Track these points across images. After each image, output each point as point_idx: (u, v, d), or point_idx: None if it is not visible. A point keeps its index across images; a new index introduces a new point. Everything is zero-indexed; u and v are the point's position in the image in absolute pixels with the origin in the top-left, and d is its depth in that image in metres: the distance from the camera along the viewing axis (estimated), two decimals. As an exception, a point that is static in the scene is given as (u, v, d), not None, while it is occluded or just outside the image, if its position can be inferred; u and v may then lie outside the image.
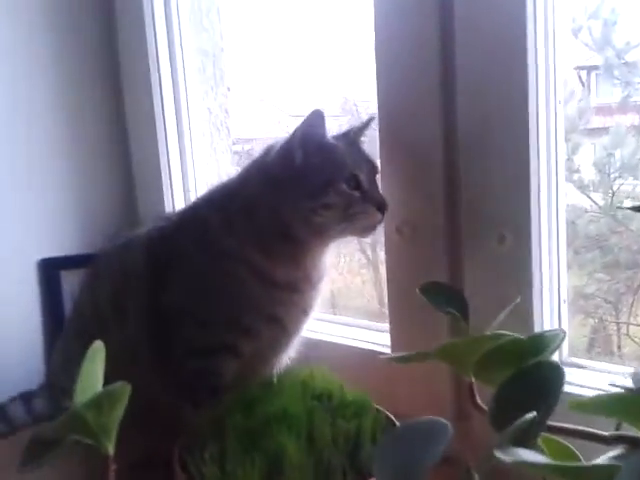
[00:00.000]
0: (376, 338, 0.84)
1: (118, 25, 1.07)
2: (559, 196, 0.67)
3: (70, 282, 1.01)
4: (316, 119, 0.68)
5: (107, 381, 0.43)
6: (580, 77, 0.91)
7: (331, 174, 0.68)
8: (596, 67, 0.88)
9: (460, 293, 0.65)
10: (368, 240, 1.08)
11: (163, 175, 1.08)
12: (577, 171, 0.87)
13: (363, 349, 0.83)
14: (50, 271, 1.03)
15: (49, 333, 1.04)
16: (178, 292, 0.73)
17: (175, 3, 1.04)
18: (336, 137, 0.73)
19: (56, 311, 1.03)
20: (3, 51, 0.99)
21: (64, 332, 0.90)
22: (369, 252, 1.12)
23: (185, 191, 1.09)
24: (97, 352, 0.43)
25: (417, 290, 0.61)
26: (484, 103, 0.66)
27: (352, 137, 0.74)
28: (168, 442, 0.69)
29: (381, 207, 0.69)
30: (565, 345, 0.68)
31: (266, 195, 0.70)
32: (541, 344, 0.47)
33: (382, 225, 0.72)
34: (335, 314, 0.97)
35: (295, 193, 0.68)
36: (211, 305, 0.71)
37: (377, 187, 0.72)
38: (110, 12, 1.08)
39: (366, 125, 0.76)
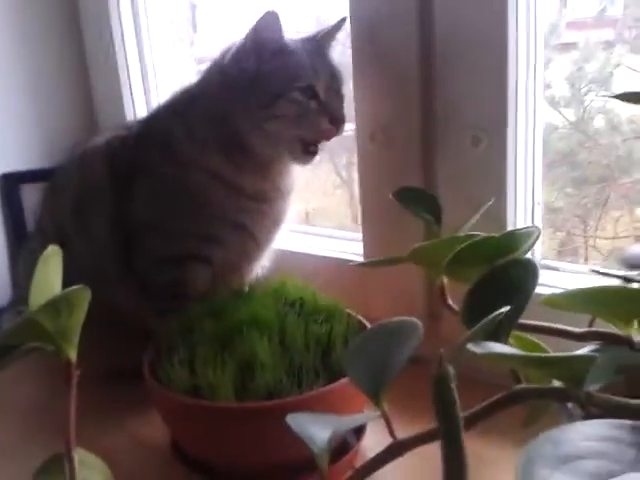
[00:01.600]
0: (350, 248, 0.83)
1: None
2: (537, 98, 0.65)
3: (31, 196, 0.98)
4: (270, 21, 0.63)
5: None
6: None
7: (284, 82, 0.64)
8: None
9: (433, 197, 0.64)
10: (343, 161, 1.06)
11: (123, 87, 1.02)
12: (549, 87, 0.84)
13: (336, 258, 0.82)
14: (11, 185, 0.99)
15: (12, 248, 1.01)
16: (142, 204, 0.71)
17: None
18: (297, 41, 0.68)
19: (18, 225, 1.00)
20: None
21: (26, 247, 0.87)
22: (344, 173, 1.10)
23: (147, 103, 1.04)
24: (52, 256, 0.41)
25: (390, 195, 0.60)
26: (462, 5, 0.62)
27: (318, 42, 0.69)
28: (136, 353, 0.69)
29: (334, 121, 0.65)
30: (538, 247, 0.68)
31: (222, 100, 0.67)
32: (515, 241, 0.46)
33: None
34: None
35: (247, 100, 0.65)
36: (176, 215, 0.69)
37: (338, 99, 0.68)
38: None
39: (336, 28, 0.70)
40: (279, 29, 0.64)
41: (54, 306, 0.37)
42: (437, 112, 0.66)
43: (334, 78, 0.68)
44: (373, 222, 0.74)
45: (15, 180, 0.99)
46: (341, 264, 0.80)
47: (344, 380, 0.53)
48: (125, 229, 0.71)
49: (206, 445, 0.54)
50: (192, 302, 0.69)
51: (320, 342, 0.57)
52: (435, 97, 0.66)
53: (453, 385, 0.29)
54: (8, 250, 1.02)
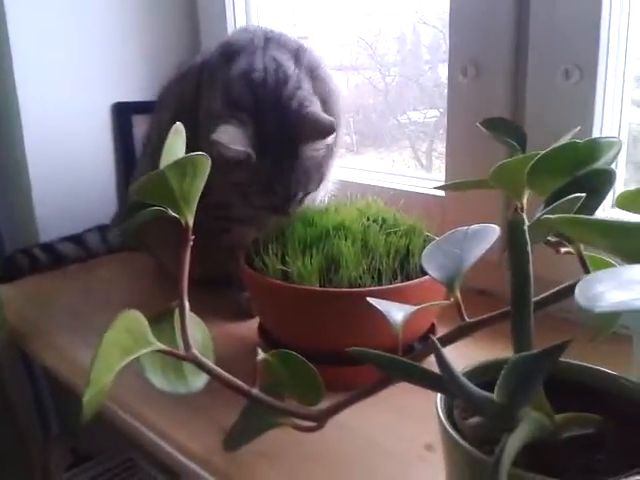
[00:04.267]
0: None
1: None
2: (629, 35, 0.66)
3: (140, 126, 1.07)
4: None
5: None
6: None
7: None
8: None
9: (519, 127, 0.66)
10: (423, 147, 1.08)
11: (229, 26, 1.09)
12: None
13: (415, 192, 0.86)
14: (123, 114, 1.08)
15: (121, 173, 1.11)
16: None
17: None
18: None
19: (127, 152, 1.10)
20: None
21: (137, 170, 0.96)
22: (423, 160, 1.11)
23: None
24: (180, 130, 0.47)
25: (477, 124, 0.63)
26: None
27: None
28: (226, 264, 0.77)
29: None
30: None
31: None
32: (597, 150, 0.47)
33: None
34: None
35: None
36: None
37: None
38: None
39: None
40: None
41: (181, 165, 0.43)
42: (528, 46, 0.68)
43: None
44: (456, 155, 0.78)
45: (127, 110, 1.09)
46: (422, 195, 0.84)
47: (419, 279, 0.57)
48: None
49: (290, 328, 0.60)
50: (237, 223, 0.76)
51: (399, 251, 0.62)
52: (527, 32, 0.68)
53: (525, 228, 0.33)
54: (117, 175, 1.12)
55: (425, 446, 0.51)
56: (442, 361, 0.31)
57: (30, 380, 0.99)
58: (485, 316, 0.43)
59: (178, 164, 0.43)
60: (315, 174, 0.71)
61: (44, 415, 1.01)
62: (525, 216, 0.34)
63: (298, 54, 0.74)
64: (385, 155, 1.12)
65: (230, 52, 0.74)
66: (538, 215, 0.39)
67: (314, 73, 0.73)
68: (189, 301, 0.46)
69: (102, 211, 1.07)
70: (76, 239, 1.03)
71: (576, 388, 0.40)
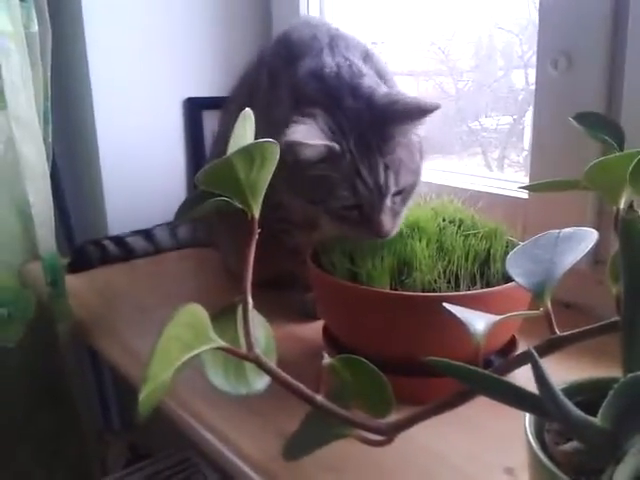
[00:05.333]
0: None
1: None
2: None
3: (211, 121, 1.06)
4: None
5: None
6: None
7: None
8: None
9: (616, 123, 0.60)
10: (495, 155, 1.03)
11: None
12: None
13: (495, 193, 0.81)
14: (194, 109, 1.08)
15: (191, 168, 1.11)
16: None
17: None
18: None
19: (197, 148, 1.10)
20: None
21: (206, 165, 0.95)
22: (494, 167, 1.06)
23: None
24: (248, 116, 0.45)
25: (570, 118, 0.58)
26: None
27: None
28: (288, 265, 0.75)
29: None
30: None
31: None
32: None
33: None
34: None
35: None
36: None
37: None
38: None
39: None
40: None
41: (249, 152, 0.41)
42: (626, 35, 0.62)
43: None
44: (543, 154, 0.72)
45: (198, 105, 1.09)
46: (502, 196, 0.79)
47: (502, 286, 0.52)
48: None
49: (357, 332, 0.57)
50: (298, 228, 0.72)
51: (478, 255, 0.57)
52: (625, 20, 0.62)
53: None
54: (187, 171, 1.12)
55: (505, 470, 0.46)
56: (541, 375, 0.27)
57: (94, 373, 1.01)
58: (581, 329, 0.38)
59: (246, 151, 0.41)
60: (407, 165, 0.61)
61: (106, 410, 1.02)
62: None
63: (367, 56, 0.69)
64: (456, 162, 1.08)
65: (294, 53, 0.68)
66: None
67: (383, 78, 0.68)
68: (252, 301, 0.43)
69: (172, 207, 1.06)
70: (145, 233, 1.04)
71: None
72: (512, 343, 0.59)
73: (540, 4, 0.68)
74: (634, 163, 0.45)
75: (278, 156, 0.42)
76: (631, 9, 0.62)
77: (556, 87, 0.68)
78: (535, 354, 0.27)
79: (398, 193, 0.61)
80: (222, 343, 0.41)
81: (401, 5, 1.06)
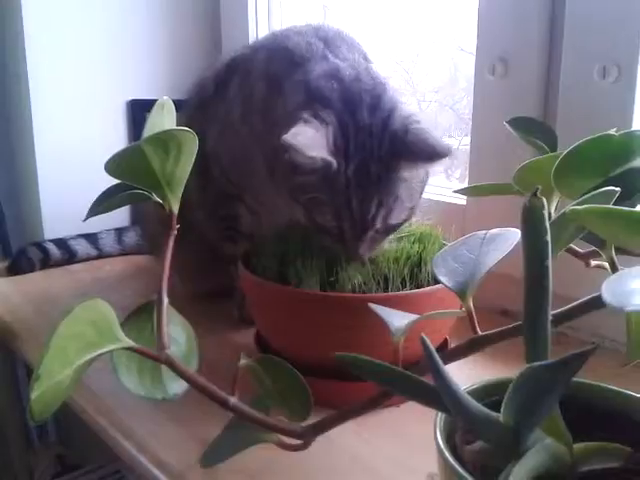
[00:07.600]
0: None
1: None
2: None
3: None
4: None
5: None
6: None
7: None
8: None
9: (550, 128, 0.61)
10: (457, 174, 1.04)
11: (250, 30, 1.06)
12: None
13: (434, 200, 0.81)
14: (138, 111, 1.06)
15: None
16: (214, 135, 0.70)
17: None
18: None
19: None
20: None
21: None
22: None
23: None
24: (167, 103, 0.43)
25: (504, 123, 0.58)
26: None
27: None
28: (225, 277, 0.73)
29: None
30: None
31: None
32: (631, 145, 0.42)
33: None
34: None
35: None
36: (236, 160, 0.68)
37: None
38: None
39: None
40: None
41: (162, 141, 0.39)
42: (561, 42, 0.63)
43: None
44: (480, 159, 0.72)
45: (141, 107, 1.06)
46: (441, 203, 0.79)
47: (430, 287, 0.52)
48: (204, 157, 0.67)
49: (286, 335, 0.55)
50: (244, 237, 0.71)
51: (410, 258, 0.56)
52: (560, 28, 0.63)
53: (545, 213, 0.28)
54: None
55: (428, 475, 0.45)
56: (436, 367, 0.25)
57: (14, 381, 0.96)
58: (498, 329, 0.38)
59: (158, 139, 0.39)
60: (403, 204, 0.56)
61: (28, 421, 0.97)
62: (545, 202, 0.28)
63: (367, 59, 0.64)
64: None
65: (296, 56, 0.62)
66: (566, 208, 0.33)
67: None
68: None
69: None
70: (90, 237, 1.01)
71: (601, 414, 0.34)
72: (445, 346, 0.58)
73: (479, 11, 0.69)
74: (556, 164, 0.45)
75: (196, 148, 0.41)
76: (567, 16, 0.63)
77: (493, 92, 0.69)
78: (427, 341, 0.26)
79: (384, 229, 0.56)
80: (131, 343, 0.39)
81: (368, 24, 1.07)
